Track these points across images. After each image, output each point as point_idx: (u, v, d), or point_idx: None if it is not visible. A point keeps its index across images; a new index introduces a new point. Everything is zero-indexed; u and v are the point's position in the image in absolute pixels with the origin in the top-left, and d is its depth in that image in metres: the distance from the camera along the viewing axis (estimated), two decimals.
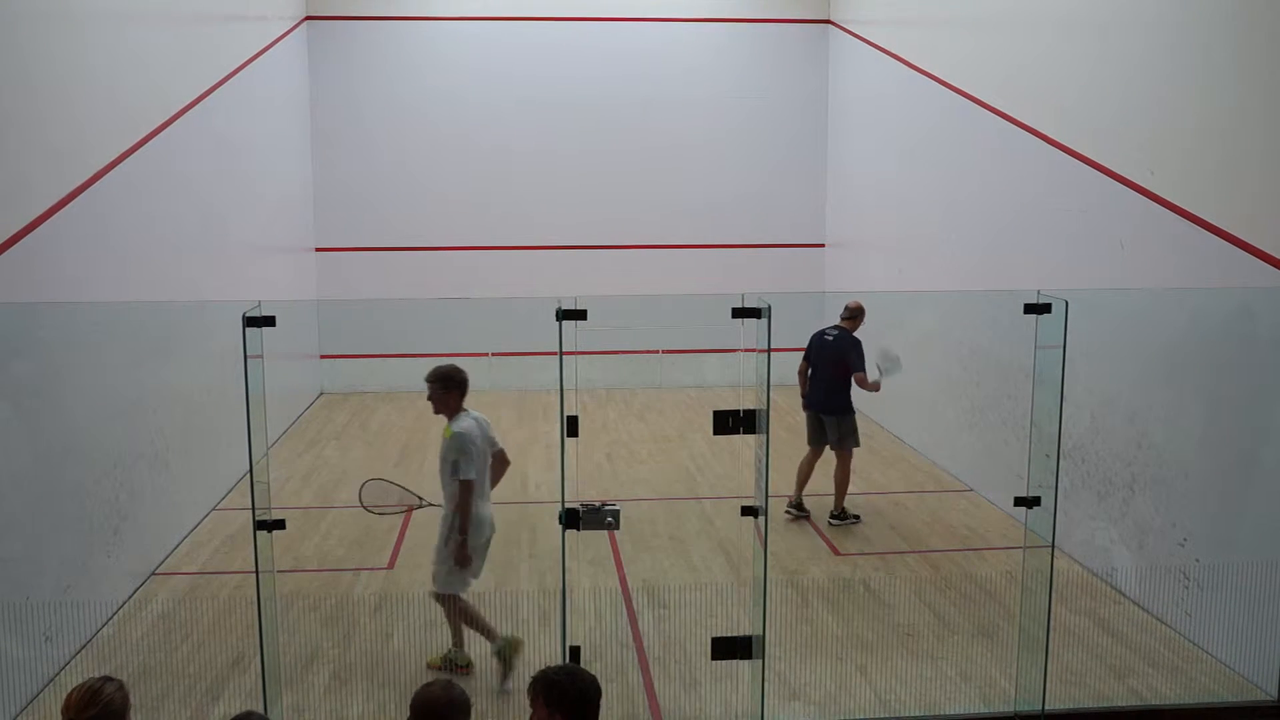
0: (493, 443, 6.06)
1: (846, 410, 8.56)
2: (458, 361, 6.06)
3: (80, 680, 3.45)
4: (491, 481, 6.10)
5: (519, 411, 12.86)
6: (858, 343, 8.51)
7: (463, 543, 5.78)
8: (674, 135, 14.47)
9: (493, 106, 14.20)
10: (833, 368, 8.50)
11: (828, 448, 8.70)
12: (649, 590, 7.25)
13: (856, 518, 8.66)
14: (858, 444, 8.70)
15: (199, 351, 8.51)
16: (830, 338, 8.60)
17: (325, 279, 14.13)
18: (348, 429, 12.21)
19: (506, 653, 5.90)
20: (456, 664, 6.05)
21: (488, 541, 6.02)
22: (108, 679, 3.44)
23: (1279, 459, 5.72)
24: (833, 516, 8.59)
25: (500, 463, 6.14)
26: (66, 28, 6.60)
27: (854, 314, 8.66)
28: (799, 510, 8.68)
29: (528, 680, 3.43)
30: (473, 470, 5.74)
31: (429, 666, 6.06)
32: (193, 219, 8.99)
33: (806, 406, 8.74)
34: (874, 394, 8.63)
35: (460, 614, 5.99)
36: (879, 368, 8.45)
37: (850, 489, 8.68)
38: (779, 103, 14.55)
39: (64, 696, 3.37)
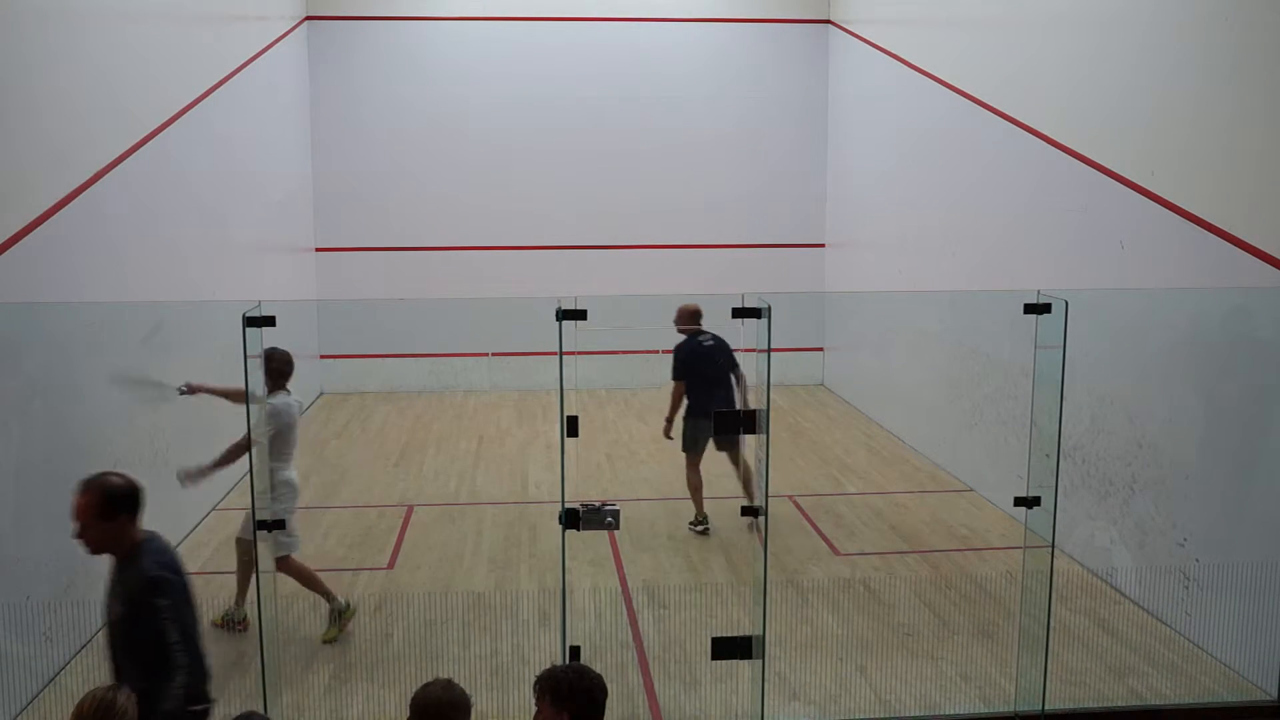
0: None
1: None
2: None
3: (80, 680, 3.41)
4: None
5: (519, 411, 12.87)
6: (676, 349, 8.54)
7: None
8: (674, 135, 14.46)
9: (493, 106, 14.19)
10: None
11: (705, 452, 8.52)
12: (649, 590, 7.25)
13: (704, 530, 8.37)
14: (684, 448, 8.48)
15: (199, 351, 8.50)
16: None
17: (325, 279, 14.13)
18: (348, 429, 12.20)
19: (342, 617, 6.49)
20: (234, 620, 6.55)
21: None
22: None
23: (1279, 459, 5.73)
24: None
25: None
26: (66, 28, 6.60)
27: (682, 317, 8.55)
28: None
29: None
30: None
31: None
32: (193, 219, 8.99)
33: None
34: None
35: (298, 575, 6.50)
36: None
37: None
38: (779, 103, 14.54)
39: (64, 697, 3.34)
